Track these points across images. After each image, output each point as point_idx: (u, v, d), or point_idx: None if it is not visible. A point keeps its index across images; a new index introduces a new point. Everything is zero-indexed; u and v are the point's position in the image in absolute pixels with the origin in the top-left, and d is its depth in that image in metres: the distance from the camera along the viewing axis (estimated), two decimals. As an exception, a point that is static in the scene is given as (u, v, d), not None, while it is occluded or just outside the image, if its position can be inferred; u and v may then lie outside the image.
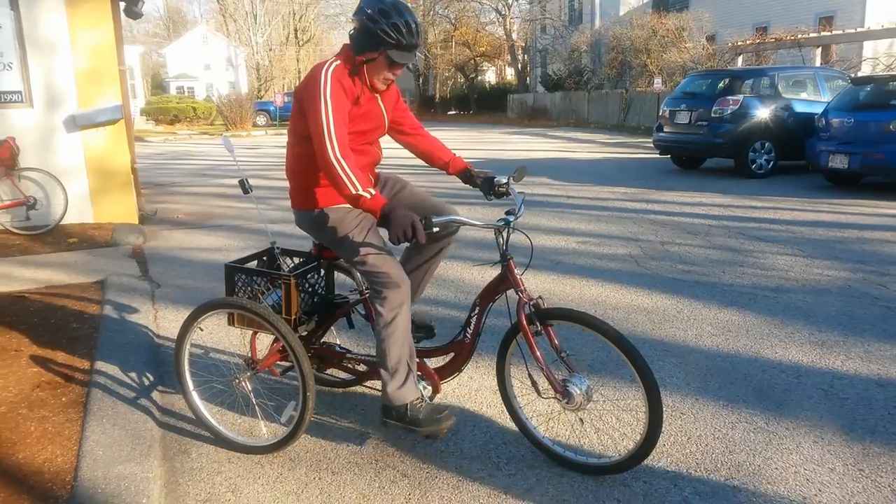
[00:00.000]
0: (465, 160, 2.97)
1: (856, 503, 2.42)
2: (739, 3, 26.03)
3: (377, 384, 3.17)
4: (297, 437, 2.75)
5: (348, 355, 2.97)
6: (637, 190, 9.69)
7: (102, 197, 7.55)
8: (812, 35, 18.87)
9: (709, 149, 11.23)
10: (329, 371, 3.31)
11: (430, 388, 2.79)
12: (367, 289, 2.88)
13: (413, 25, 2.48)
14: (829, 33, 18.85)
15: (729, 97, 10.94)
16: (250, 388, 3.00)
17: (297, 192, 2.77)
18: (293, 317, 2.80)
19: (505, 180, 2.79)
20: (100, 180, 7.51)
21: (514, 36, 41.13)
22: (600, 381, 3.44)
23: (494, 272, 2.68)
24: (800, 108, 10.90)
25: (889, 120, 8.60)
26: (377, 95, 2.69)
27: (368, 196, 2.40)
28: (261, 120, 33.57)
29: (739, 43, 20.65)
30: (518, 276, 2.58)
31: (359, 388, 3.35)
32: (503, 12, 39.30)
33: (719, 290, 4.93)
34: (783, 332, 4.08)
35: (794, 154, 10.66)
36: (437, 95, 46.29)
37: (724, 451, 2.79)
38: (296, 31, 50.76)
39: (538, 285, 5.09)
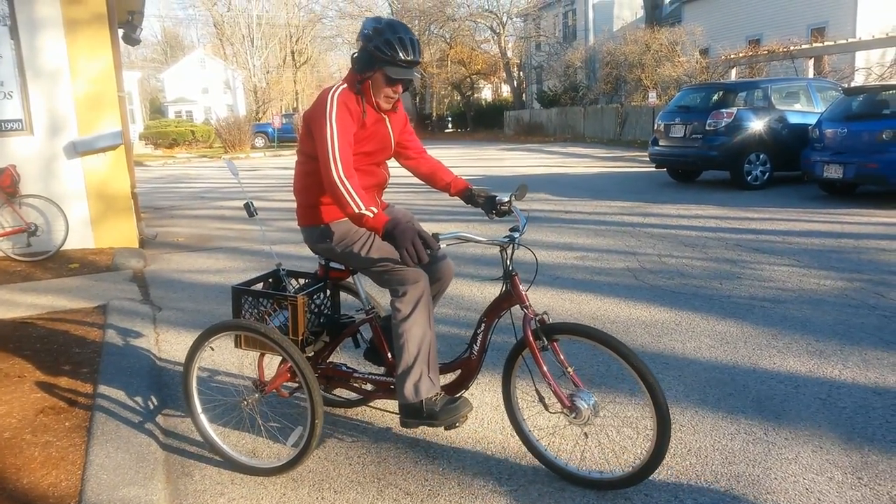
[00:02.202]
0: (465, 178, 3.02)
1: (855, 511, 2.45)
2: (732, 16, 26.28)
3: (386, 404, 3.17)
4: (305, 458, 2.75)
5: (355, 374, 2.98)
6: (634, 204, 9.73)
7: (103, 222, 7.59)
8: (804, 46, 19.04)
9: (704, 161, 11.30)
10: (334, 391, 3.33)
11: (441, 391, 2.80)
12: (371, 308, 2.91)
13: (408, 42, 2.53)
14: (821, 44, 19.02)
15: (723, 110, 11.02)
16: (258, 410, 3.01)
17: (304, 210, 2.82)
18: (300, 337, 2.81)
19: (506, 199, 2.81)
20: (100, 206, 7.56)
21: (510, 53, 41.41)
22: (605, 396, 3.45)
23: (498, 289, 2.70)
24: (794, 119, 10.99)
25: (882, 129, 8.68)
26: (385, 117, 2.74)
27: (371, 214, 2.44)
28: (259, 142, 33.76)
29: (732, 56, 20.82)
30: (523, 292, 2.60)
31: (362, 408, 3.37)
32: (497, 31, 39.61)
33: (717, 301, 4.97)
34: (781, 343, 4.10)
35: (789, 165, 10.73)
36: (435, 113, 46.54)
37: (724, 462, 2.81)
38: (292, 53, 51.09)
39: (537, 300, 5.12)
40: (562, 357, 2.54)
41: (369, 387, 2.95)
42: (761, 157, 10.91)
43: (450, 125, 46.71)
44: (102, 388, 3.61)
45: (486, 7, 39.78)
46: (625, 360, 2.42)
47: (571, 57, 33.49)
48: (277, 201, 12.10)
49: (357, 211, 2.44)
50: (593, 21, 36.53)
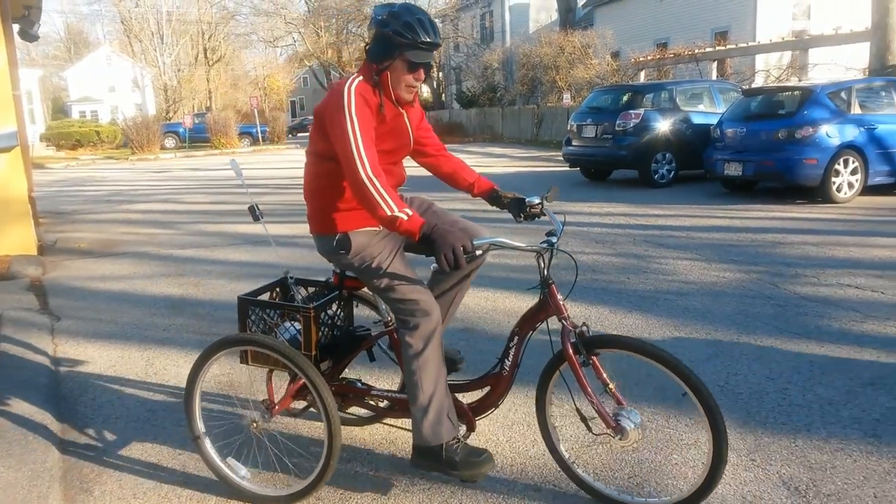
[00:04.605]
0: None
1: (748, 491, 2.57)
2: (640, 20, 27.22)
3: (398, 421, 2.88)
4: (321, 483, 2.51)
5: (372, 392, 2.72)
6: (548, 203, 9.90)
7: (-4, 228, 7.16)
8: (708, 49, 19.96)
9: (614, 161, 11.68)
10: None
11: (463, 426, 2.57)
12: (391, 320, 2.67)
13: (427, 23, 2.34)
14: (723, 48, 19.99)
15: (631, 111, 11.42)
16: (267, 433, 2.79)
17: (317, 216, 2.55)
18: (313, 352, 2.58)
19: (537, 200, 2.64)
20: (-7, 210, 7.13)
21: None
22: (649, 413, 3.25)
23: (526, 297, 2.54)
24: (697, 119, 11.49)
25: (778, 129, 9.19)
26: (403, 112, 2.53)
27: (405, 217, 2.23)
28: (169, 142, 32.62)
29: (641, 59, 21.60)
30: (561, 302, 2.39)
31: (374, 426, 3.18)
32: (416, 31, 39.68)
33: (625, 295, 5.14)
34: (682, 333, 4.28)
35: (693, 164, 11.22)
36: (354, 114, 46.16)
37: (629, 449, 2.89)
38: (205, 50, 49.63)
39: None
40: (603, 372, 2.33)
41: (385, 404, 2.74)
42: (667, 156, 11.36)
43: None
44: (-7, 404, 3.41)
45: (404, 7, 39.77)
46: (683, 379, 2.21)
47: (489, 58, 33.93)
48: (190, 203, 11.72)
49: (389, 213, 2.22)
50: (510, 23, 37.10)
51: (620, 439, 2.31)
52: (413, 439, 2.46)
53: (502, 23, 37.70)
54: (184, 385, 2.73)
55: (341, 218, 2.48)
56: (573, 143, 12.48)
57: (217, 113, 35.43)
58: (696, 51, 19.95)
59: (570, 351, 2.34)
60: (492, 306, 5.04)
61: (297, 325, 2.60)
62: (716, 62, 19.77)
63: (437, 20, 41.27)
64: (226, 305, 5.31)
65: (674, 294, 5.12)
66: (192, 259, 7.17)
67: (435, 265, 2.26)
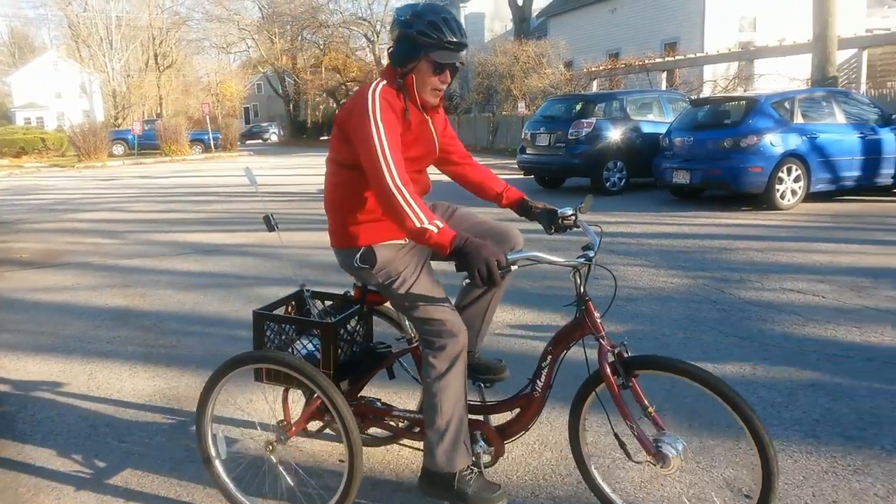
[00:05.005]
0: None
1: (692, 494, 2.62)
2: (593, 30, 27.68)
3: (414, 443, 2.76)
4: None
5: (393, 413, 2.59)
6: (501, 211, 9.99)
7: (-69, 238, 6.88)
8: (658, 60, 20.43)
9: (567, 169, 11.85)
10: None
11: (491, 450, 2.43)
12: (415, 338, 2.55)
13: (453, 22, 2.23)
14: (672, 59, 20.48)
15: (583, 120, 11.59)
16: (283, 456, 2.65)
17: (338, 229, 2.40)
18: (331, 370, 2.45)
19: (570, 212, 2.51)
20: (-73, 220, 6.85)
21: (385, 62, 41.53)
22: (691, 439, 3.06)
23: (557, 313, 2.40)
24: (647, 128, 11.72)
25: (724, 138, 9.44)
26: (428, 117, 2.41)
27: (435, 230, 2.08)
28: (118, 149, 31.83)
29: (593, 69, 21.98)
30: (598, 320, 2.27)
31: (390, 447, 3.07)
32: (372, 39, 39.66)
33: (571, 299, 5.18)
34: (631, 338, 4.34)
35: (643, 172, 11.43)
36: (309, 121, 45.88)
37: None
38: (156, 56, 48.66)
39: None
40: (642, 395, 2.20)
41: (404, 424, 2.61)
42: (618, 164, 11.56)
43: (325, 133, 46.14)
44: (-78, 423, 3.26)
45: (360, 15, 39.75)
46: (730, 404, 2.08)
47: (444, 66, 34.05)
48: (138, 212, 11.45)
49: (419, 225, 2.09)
50: (465, 32, 37.28)
51: (662, 467, 2.18)
52: (424, 461, 2.34)
53: (458, 31, 37.85)
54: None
55: (364, 230, 2.34)
56: (527, 152, 12.62)
57: (168, 119, 34.75)
58: (647, 61, 20.40)
59: (609, 372, 2.22)
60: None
61: (315, 342, 2.48)
62: (665, 72, 20.25)
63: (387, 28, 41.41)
64: (172, 316, 5.20)
65: (623, 300, 5.20)
66: (139, 269, 7.00)
67: (467, 280, 2.18)
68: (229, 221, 9.85)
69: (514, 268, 2.10)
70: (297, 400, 2.64)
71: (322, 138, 44.07)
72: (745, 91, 15.41)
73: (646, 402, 2.18)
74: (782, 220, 8.56)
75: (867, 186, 9.85)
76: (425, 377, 2.32)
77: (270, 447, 2.53)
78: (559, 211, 2.52)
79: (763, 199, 9.32)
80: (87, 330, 4.95)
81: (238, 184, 16.19)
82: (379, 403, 2.63)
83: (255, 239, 8.18)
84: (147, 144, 31.55)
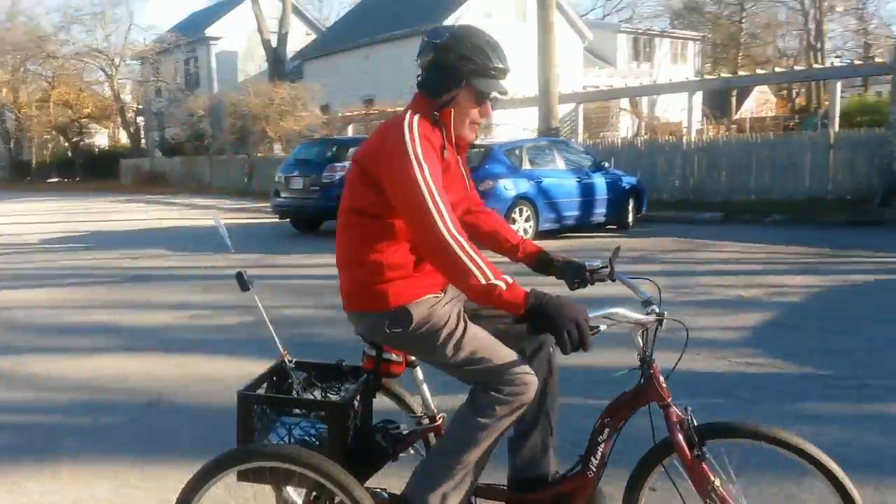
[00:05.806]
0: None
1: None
2: (348, 76, 28.39)
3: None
4: None
5: None
6: (258, 255, 9.73)
7: None
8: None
9: (323, 212, 11.91)
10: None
11: None
12: (437, 414, 2.18)
13: (497, 46, 1.98)
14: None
15: (337, 164, 11.80)
16: None
17: (359, 290, 2.01)
18: (342, 461, 1.96)
19: (599, 263, 2.19)
20: None
21: (126, 97, 38.71)
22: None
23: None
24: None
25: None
26: (459, 157, 2.09)
27: (504, 285, 1.78)
28: None
29: (349, 113, 22.50)
30: (664, 386, 1.96)
31: None
32: (110, 72, 36.77)
33: (326, 348, 5.18)
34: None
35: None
36: (35, 161, 41.00)
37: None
38: None
39: (142, 368, 4.72)
40: (709, 469, 1.94)
41: None
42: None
43: (54, 175, 41.42)
44: None
45: (95, 47, 36.73)
46: (826, 475, 1.85)
47: (194, 105, 32.55)
48: None
49: (485, 282, 1.77)
50: (217, 70, 36.20)
51: None
52: (405, 489, 2.02)
53: (209, 69, 36.65)
54: None
55: (394, 289, 1.97)
56: (282, 195, 12.50)
57: None
58: (398, 108, 21.33)
59: (683, 443, 1.92)
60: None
61: (302, 423, 2.03)
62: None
63: (133, 62, 38.73)
64: None
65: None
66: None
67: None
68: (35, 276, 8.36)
69: (602, 328, 1.84)
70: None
71: (50, 180, 39.57)
72: (484, 139, 16.78)
73: (711, 476, 1.94)
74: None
75: (585, 224, 11.21)
76: (473, 413, 1.96)
77: None
78: (587, 264, 2.21)
79: (500, 239, 10.13)
80: None
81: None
82: (385, 494, 2.14)
83: (97, 295, 7.05)
84: None
